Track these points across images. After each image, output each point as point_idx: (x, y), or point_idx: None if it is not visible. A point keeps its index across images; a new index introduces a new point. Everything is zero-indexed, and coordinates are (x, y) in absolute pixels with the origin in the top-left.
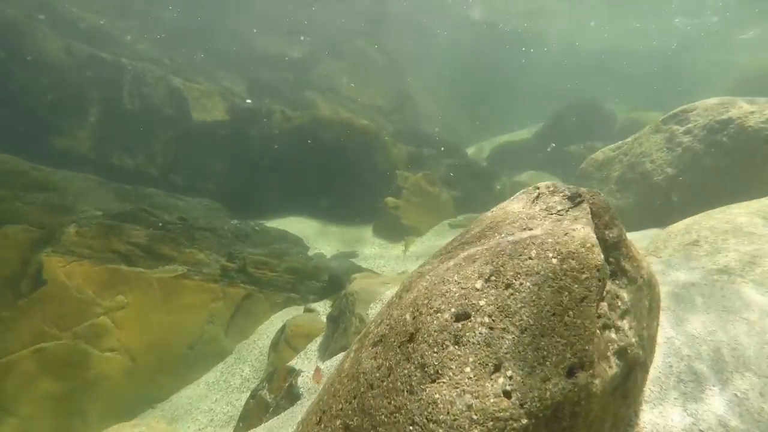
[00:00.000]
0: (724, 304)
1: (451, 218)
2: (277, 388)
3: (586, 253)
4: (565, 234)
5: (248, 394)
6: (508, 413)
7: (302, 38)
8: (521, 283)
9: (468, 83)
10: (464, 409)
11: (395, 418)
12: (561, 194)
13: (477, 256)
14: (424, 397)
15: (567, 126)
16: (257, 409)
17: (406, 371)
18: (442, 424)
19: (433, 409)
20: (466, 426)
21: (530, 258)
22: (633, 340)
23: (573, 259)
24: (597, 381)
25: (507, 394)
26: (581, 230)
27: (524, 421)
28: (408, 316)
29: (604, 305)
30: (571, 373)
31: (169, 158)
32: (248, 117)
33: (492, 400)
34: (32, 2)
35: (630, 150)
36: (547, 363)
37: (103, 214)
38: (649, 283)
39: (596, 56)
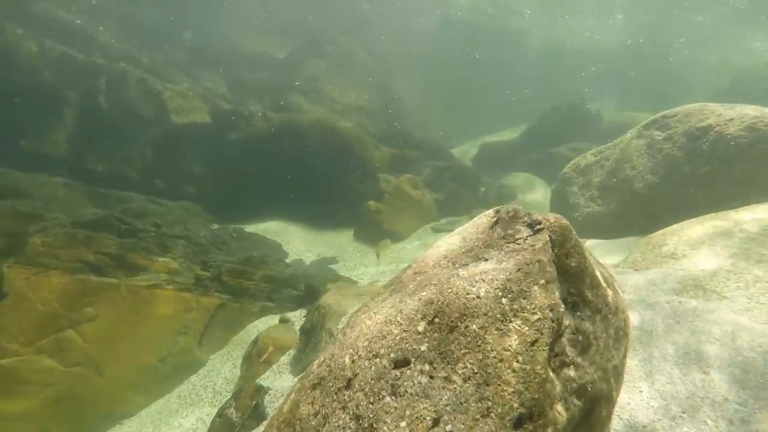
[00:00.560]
0: (695, 324)
1: (434, 222)
2: (244, 407)
3: (540, 290)
4: (518, 269)
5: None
6: None
7: (285, 38)
8: (466, 327)
9: (455, 82)
10: None
11: None
12: (521, 220)
13: (424, 292)
14: None
15: (552, 127)
16: (223, 429)
17: (341, 422)
18: None
19: None
20: None
21: (478, 297)
22: (595, 375)
23: (524, 298)
24: (549, 430)
25: None
26: (536, 265)
27: None
28: (347, 359)
29: (562, 342)
30: (518, 424)
31: (147, 161)
32: (229, 119)
33: None
34: (4, 0)
35: (611, 155)
36: (492, 415)
37: (72, 222)
38: (615, 310)
39: (584, 54)
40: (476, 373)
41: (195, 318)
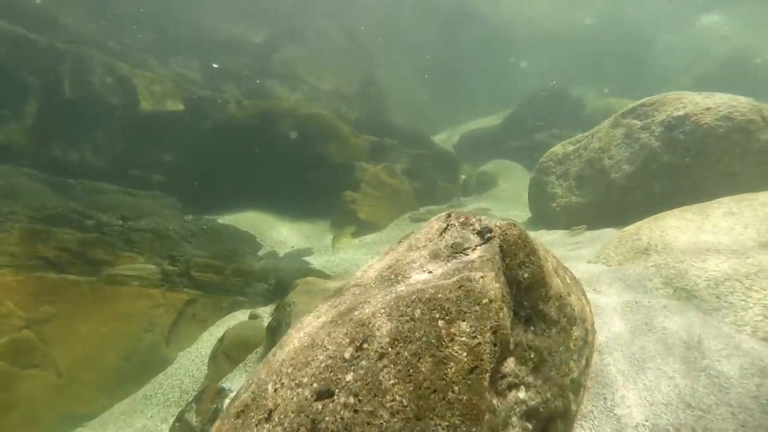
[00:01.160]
0: (664, 325)
1: (412, 211)
2: (204, 411)
3: (482, 311)
4: (459, 287)
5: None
6: None
7: (262, 22)
8: (398, 353)
9: (439, 66)
10: None
11: None
12: (471, 228)
13: (357, 312)
14: None
15: (534, 112)
16: None
17: None
18: None
19: None
20: None
21: (412, 320)
22: (549, 394)
23: (464, 321)
24: None
25: None
26: (480, 281)
27: None
28: (270, 387)
29: (510, 362)
30: None
31: (118, 150)
32: (203, 106)
33: None
34: None
35: (589, 144)
36: None
37: (30, 216)
38: (575, 319)
39: (570, 37)
40: (406, 407)
41: (162, 314)
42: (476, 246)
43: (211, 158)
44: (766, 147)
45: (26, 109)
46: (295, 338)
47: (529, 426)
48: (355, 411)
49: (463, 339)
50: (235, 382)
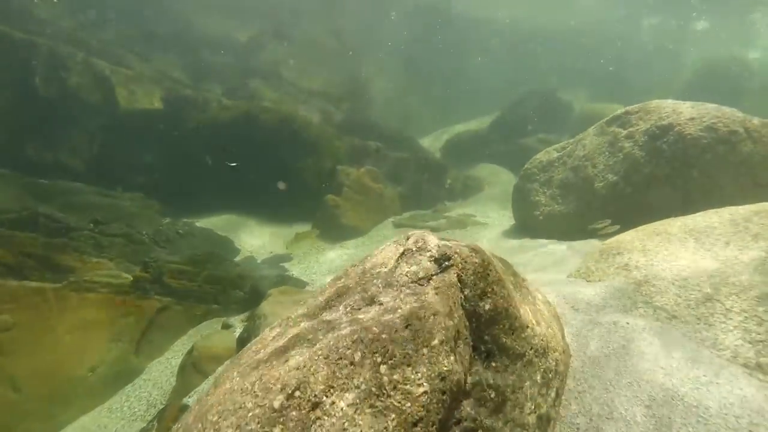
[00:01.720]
0: (642, 350)
1: (396, 216)
2: (166, 429)
3: (429, 355)
4: (407, 326)
5: None
6: None
7: (247, 20)
8: (333, 403)
9: (427, 68)
10: None
11: None
12: (428, 254)
13: (293, 352)
14: None
15: (522, 116)
16: None
17: None
18: None
19: None
20: None
21: (352, 364)
22: None
23: (409, 366)
24: None
25: None
26: (430, 320)
27: None
28: None
29: (466, 405)
30: None
31: (95, 150)
32: (183, 106)
33: None
34: None
35: (574, 152)
36: None
37: None
38: (544, 351)
39: (557, 41)
40: None
41: (132, 323)
42: (432, 275)
43: (191, 159)
44: (747, 159)
45: None
46: (229, 376)
47: None
48: None
49: (407, 387)
50: None
